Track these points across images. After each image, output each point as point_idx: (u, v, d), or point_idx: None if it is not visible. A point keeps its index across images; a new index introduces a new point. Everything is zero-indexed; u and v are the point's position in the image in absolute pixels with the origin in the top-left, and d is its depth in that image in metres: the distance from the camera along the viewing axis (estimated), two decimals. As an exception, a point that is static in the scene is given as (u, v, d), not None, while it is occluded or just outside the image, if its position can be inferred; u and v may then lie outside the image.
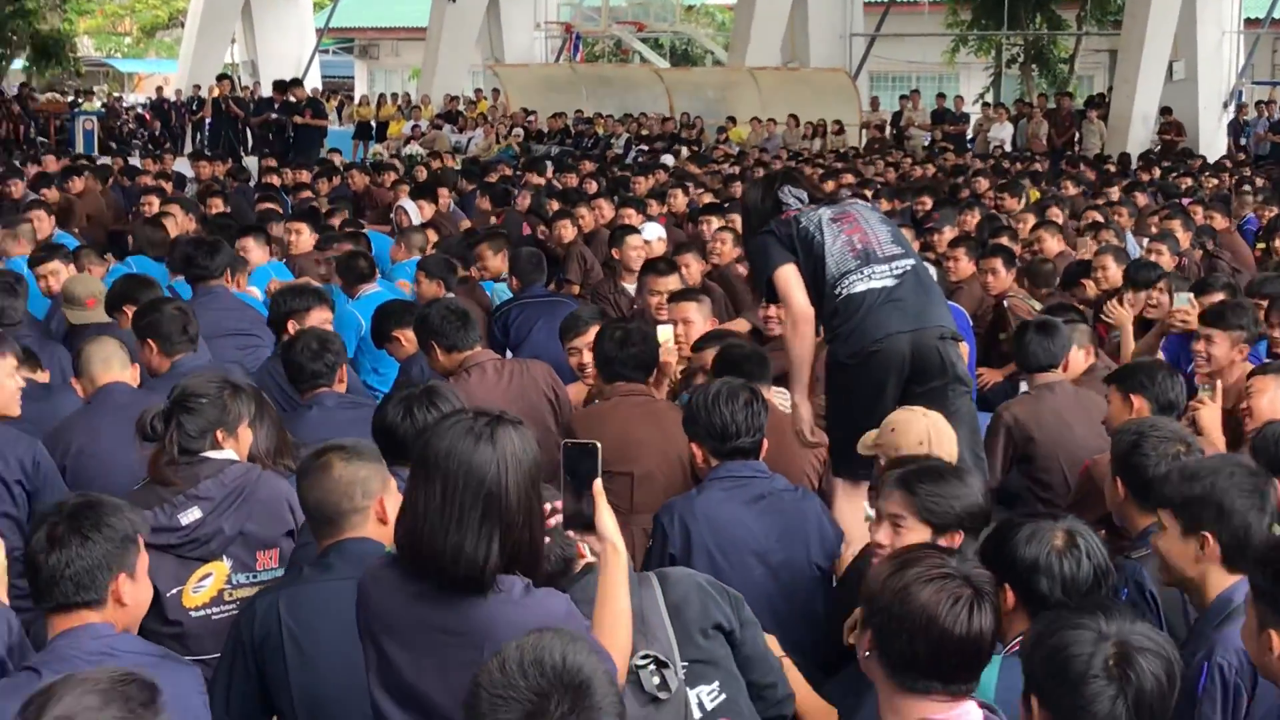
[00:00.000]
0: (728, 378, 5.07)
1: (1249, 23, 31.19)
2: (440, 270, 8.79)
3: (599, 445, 3.36)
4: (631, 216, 12.75)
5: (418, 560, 3.15)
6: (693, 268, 10.17)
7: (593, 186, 17.23)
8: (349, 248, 9.81)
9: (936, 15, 36.99)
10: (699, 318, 7.26)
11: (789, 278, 5.70)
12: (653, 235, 11.57)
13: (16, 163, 18.72)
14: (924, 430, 4.64)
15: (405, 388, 4.86)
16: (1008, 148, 26.84)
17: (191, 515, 4.40)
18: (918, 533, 3.85)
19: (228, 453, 4.57)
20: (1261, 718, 3.52)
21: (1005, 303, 9.46)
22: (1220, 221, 13.07)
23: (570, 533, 3.39)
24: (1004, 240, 10.69)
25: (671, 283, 8.17)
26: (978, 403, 8.79)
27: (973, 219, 12.62)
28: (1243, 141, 27.82)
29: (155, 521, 4.31)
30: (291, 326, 6.79)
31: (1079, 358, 7.15)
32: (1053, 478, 6.38)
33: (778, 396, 6.07)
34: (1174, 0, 26.54)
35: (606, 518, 3.33)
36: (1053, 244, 11.18)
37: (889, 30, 35.52)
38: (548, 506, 3.30)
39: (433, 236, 11.15)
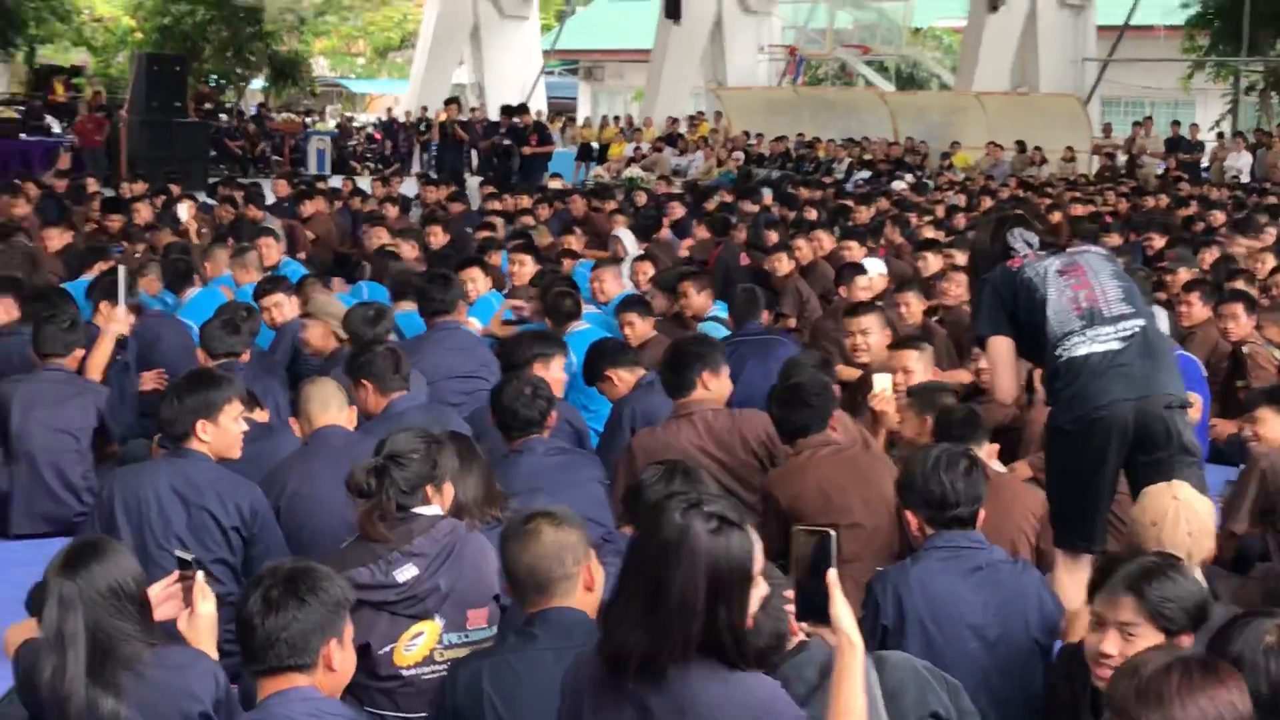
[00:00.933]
0: (947, 444, 4.91)
1: None
2: (647, 309, 8.78)
3: (833, 533, 3.26)
4: (852, 249, 12.55)
5: (612, 643, 3.13)
6: (913, 306, 9.94)
7: (812, 214, 17.04)
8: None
9: (1172, 40, 35.99)
10: (920, 367, 7.10)
11: (999, 353, 5.57)
12: (873, 271, 11.36)
13: (242, 180, 19.26)
14: (1160, 511, 4.41)
15: (665, 462, 4.76)
16: (1245, 178, 25.93)
17: (408, 572, 4.38)
18: (1150, 639, 3.64)
19: (435, 508, 4.55)
20: None
21: (1244, 349, 9.06)
22: None
23: (804, 625, 3.28)
24: (1241, 284, 10.27)
25: (867, 322, 7.99)
26: (1211, 455, 8.45)
27: (1208, 258, 12.15)
28: None
29: (371, 579, 4.33)
30: (538, 369, 6.81)
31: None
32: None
33: None
34: None
35: (842, 609, 3.22)
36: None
37: (1122, 55, 34.65)
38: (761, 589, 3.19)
39: (649, 269, 11.05)
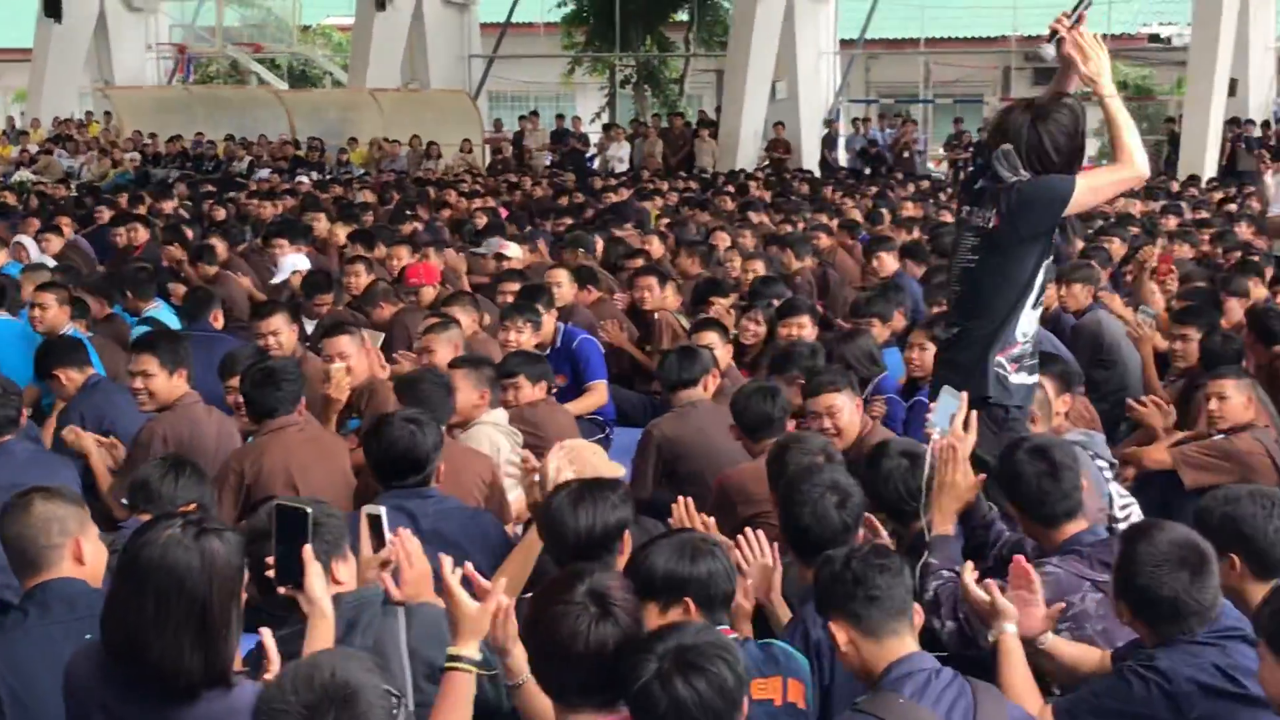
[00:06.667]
0: (405, 409, 5.40)
1: (844, 43, 32.98)
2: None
3: (310, 511, 3.57)
4: (286, 246, 12.74)
5: (134, 665, 3.24)
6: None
7: (220, 213, 16.92)
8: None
9: (553, 37, 37.75)
10: (352, 348, 7.34)
11: None
12: (292, 268, 11.71)
13: None
14: None
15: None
16: (624, 166, 27.69)
17: None
18: None
19: None
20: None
21: (656, 317, 10.05)
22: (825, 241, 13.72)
23: (281, 589, 3.55)
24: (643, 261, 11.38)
25: (275, 323, 8.04)
26: (619, 419, 9.30)
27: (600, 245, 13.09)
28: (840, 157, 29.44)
29: None
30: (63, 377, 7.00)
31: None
32: (702, 490, 6.79)
33: None
34: (775, 22, 27.83)
35: (316, 581, 3.53)
36: (690, 264, 11.83)
37: (506, 51, 36.06)
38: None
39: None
